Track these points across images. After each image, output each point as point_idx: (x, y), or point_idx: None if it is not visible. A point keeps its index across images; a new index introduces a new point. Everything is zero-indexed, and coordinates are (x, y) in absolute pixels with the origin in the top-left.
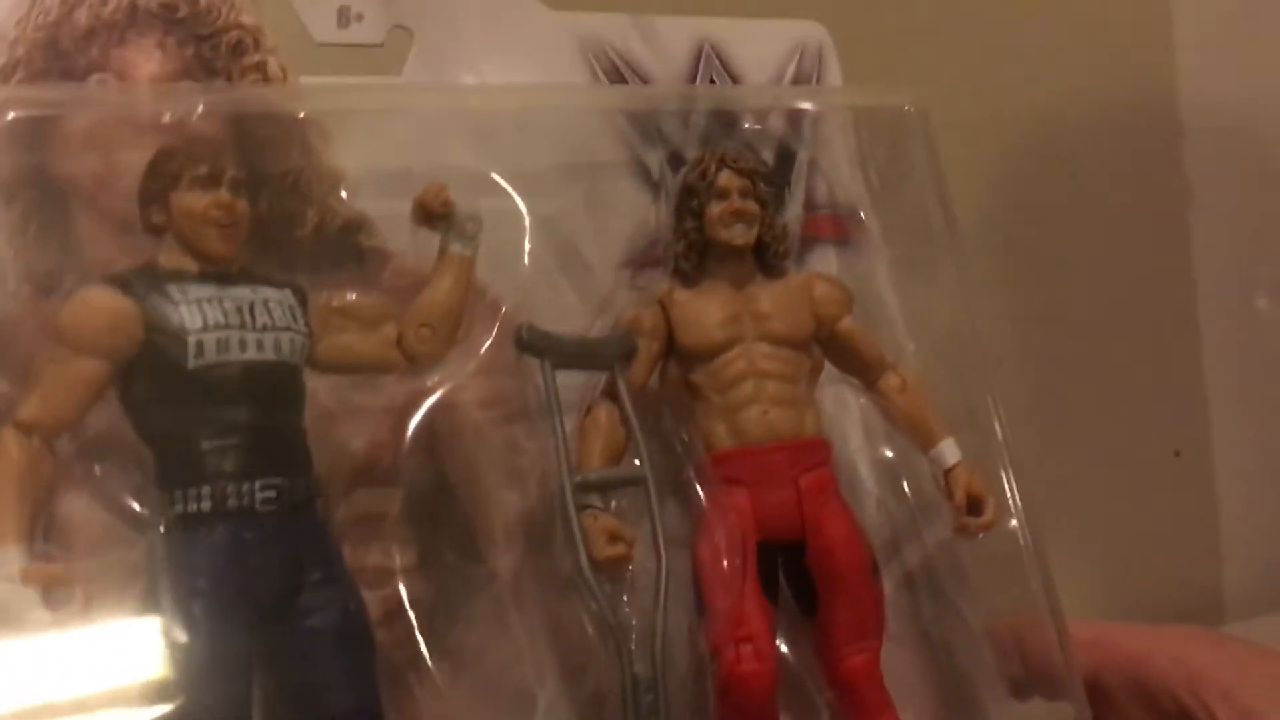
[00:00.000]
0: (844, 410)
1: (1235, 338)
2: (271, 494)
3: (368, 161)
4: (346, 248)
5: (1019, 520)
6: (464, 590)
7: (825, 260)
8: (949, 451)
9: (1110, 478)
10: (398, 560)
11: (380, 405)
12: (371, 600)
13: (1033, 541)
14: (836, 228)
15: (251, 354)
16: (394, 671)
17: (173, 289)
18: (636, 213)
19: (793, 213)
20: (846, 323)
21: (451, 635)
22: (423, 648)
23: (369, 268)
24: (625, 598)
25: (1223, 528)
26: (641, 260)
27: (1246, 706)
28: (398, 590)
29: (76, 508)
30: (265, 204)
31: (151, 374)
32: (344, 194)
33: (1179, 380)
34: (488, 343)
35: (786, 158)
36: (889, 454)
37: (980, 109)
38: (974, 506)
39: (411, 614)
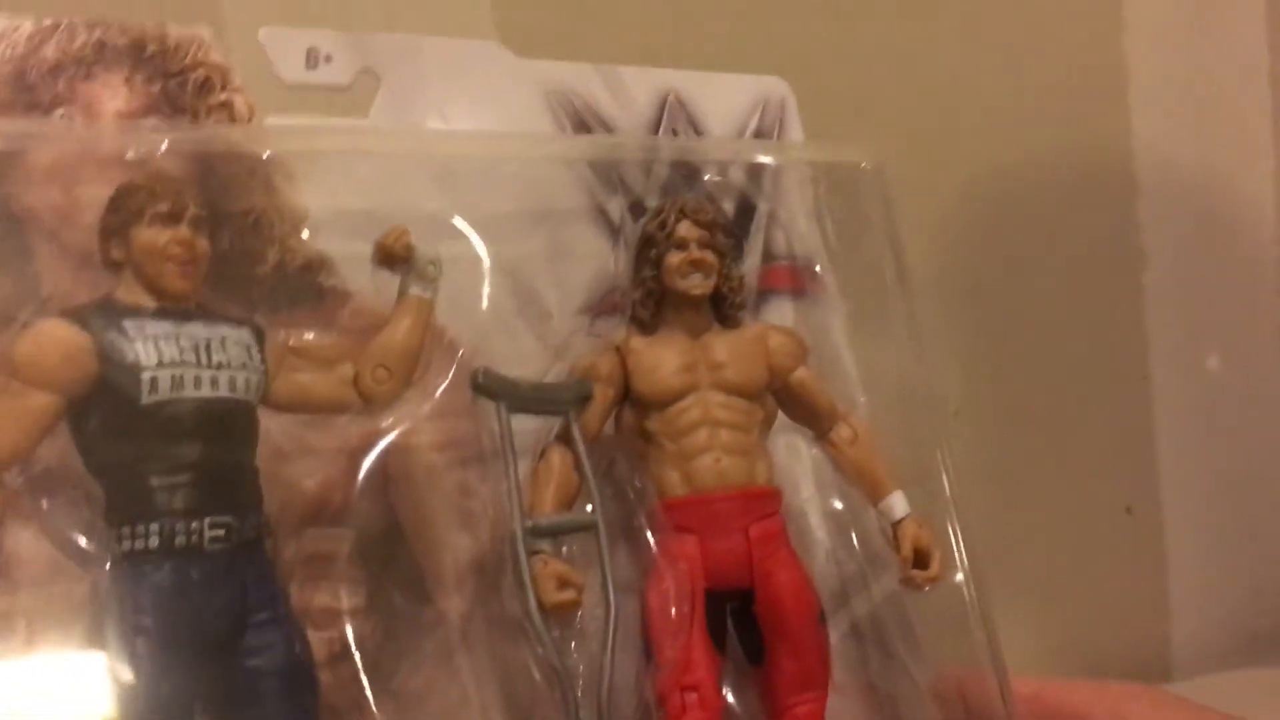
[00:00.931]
0: (796, 460)
1: (1187, 397)
2: (220, 533)
3: (331, 202)
4: (306, 287)
5: (965, 574)
6: (412, 632)
7: (782, 311)
8: (898, 504)
9: (1060, 532)
10: (345, 601)
11: (334, 445)
12: (317, 641)
13: (978, 596)
14: (793, 280)
15: (206, 391)
16: (337, 715)
17: (129, 324)
18: (596, 260)
19: (751, 264)
20: (800, 374)
21: (397, 678)
22: (367, 690)
23: (327, 307)
24: (574, 644)
25: (1171, 585)
26: (600, 307)
27: None
28: (344, 631)
29: (22, 541)
30: (226, 241)
31: (104, 409)
32: (305, 234)
33: (1130, 437)
34: (443, 385)
35: (746, 210)
36: (839, 505)
37: (938, 166)
38: (920, 560)
39: (357, 655)
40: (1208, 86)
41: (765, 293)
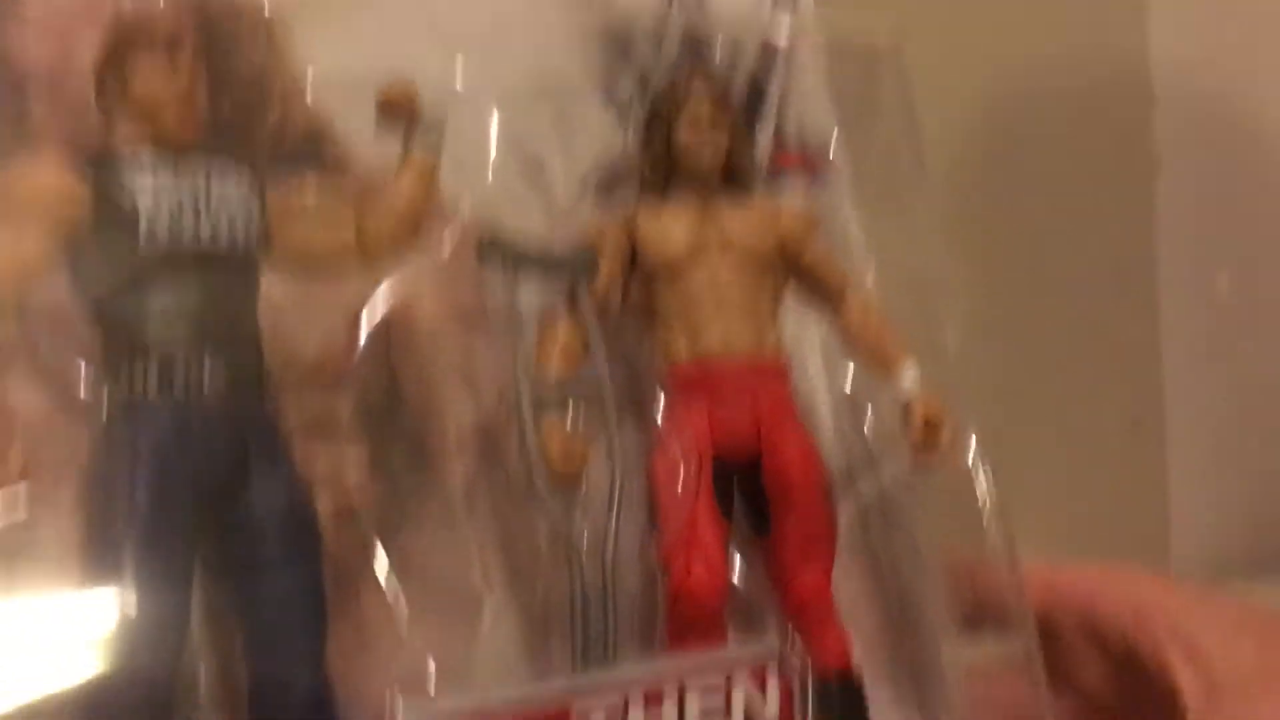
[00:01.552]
0: (803, 335)
1: (1194, 312)
2: (220, 380)
3: (333, 68)
4: (307, 154)
5: (975, 452)
6: (414, 495)
7: (793, 195)
8: (908, 378)
9: (1065, 444)
10: (349, 462)
11: (336, 307)
12: (321, 501)
13: (989, 474)
14: (805, 163)
15: (205, 237)
16: (340, 572)
17: (126, 167)
18: (604, 135)
19: (762, 146)
20: (811, 247)
21: (399, 538)
22: (371, 549)
23: (329, 175)
24: (578, 512)
25: (1172, 499)
26: (607, 182)
27: (1192, 641)
28: (347, 492)
29: (16, 390)
30: (227, 104)
31: (101, 252)
32: (308, 99)
33: (1138, 351)
34: (447, 249)
35: (758, 91)
36: (847, 386)
37: (954, 64)
38: (931, 434)
39: (360, 517)
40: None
41: (776, 176)
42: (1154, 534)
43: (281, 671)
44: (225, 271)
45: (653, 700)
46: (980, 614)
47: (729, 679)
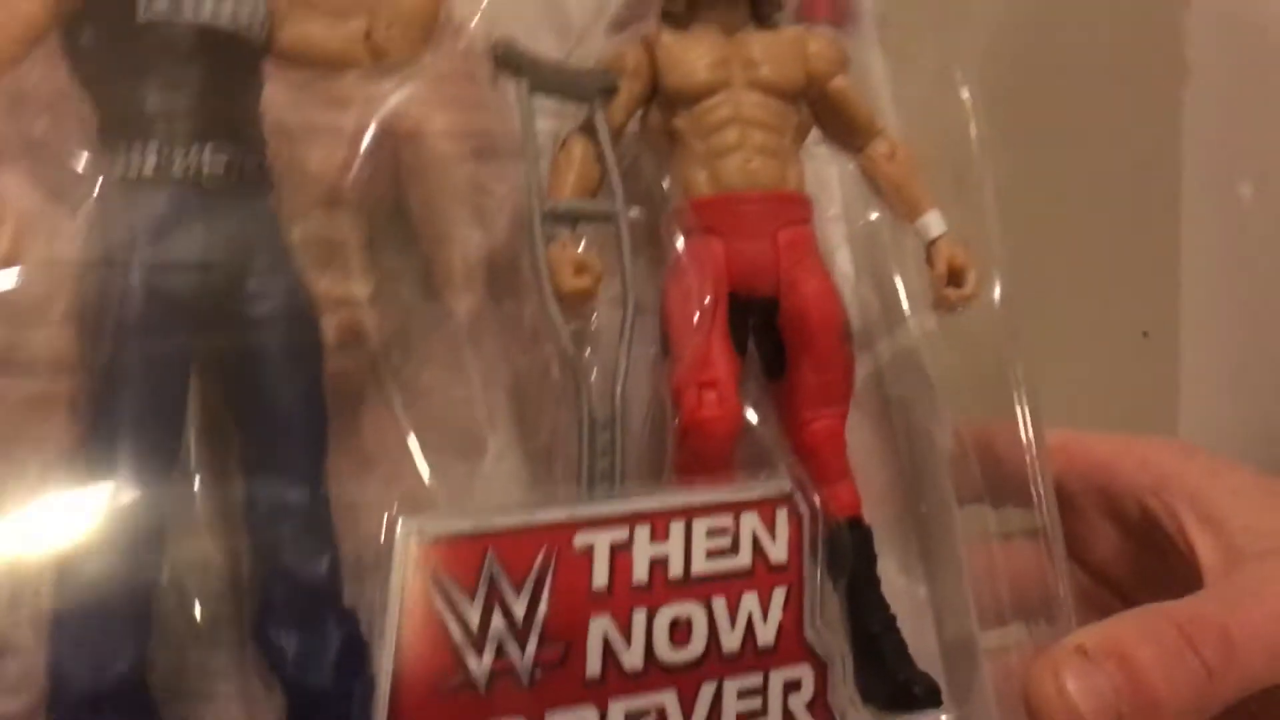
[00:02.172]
0: (821, 184)
1: (1215, 222)
2: (220, 166)
3: None
4: None
5: (1001, 296)
6: (420, 326)
7: None
8: (934, 223)
9: (1073, 351)
10: (355, 288)
11: (340, 124)
12: (325, 325)
13: (1013, 327)
14: (834, 10)
15: (206, 15)
16: (341, 398)
17: None
18: None
19: None
20: (839, 81)
21: (404, 370)
22: (374, 377)
23: None
24: (588, 348)
25: (1181, 414)
26: (625, 14)
27: (1211, 510)
28: (352, 317)
29: (8, 175)
30: None
31: (98, 22)
32: None
33: (1154, 259)
34: (459, 57)
35: None
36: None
37: None
38: (955, 278)
39: (363, 344)
40: None
41: (802, 23)
42: None
43: (278, 484)
44: (227, 54)
45: (658, 531)
46: (998, 482)
47: (737, 515)
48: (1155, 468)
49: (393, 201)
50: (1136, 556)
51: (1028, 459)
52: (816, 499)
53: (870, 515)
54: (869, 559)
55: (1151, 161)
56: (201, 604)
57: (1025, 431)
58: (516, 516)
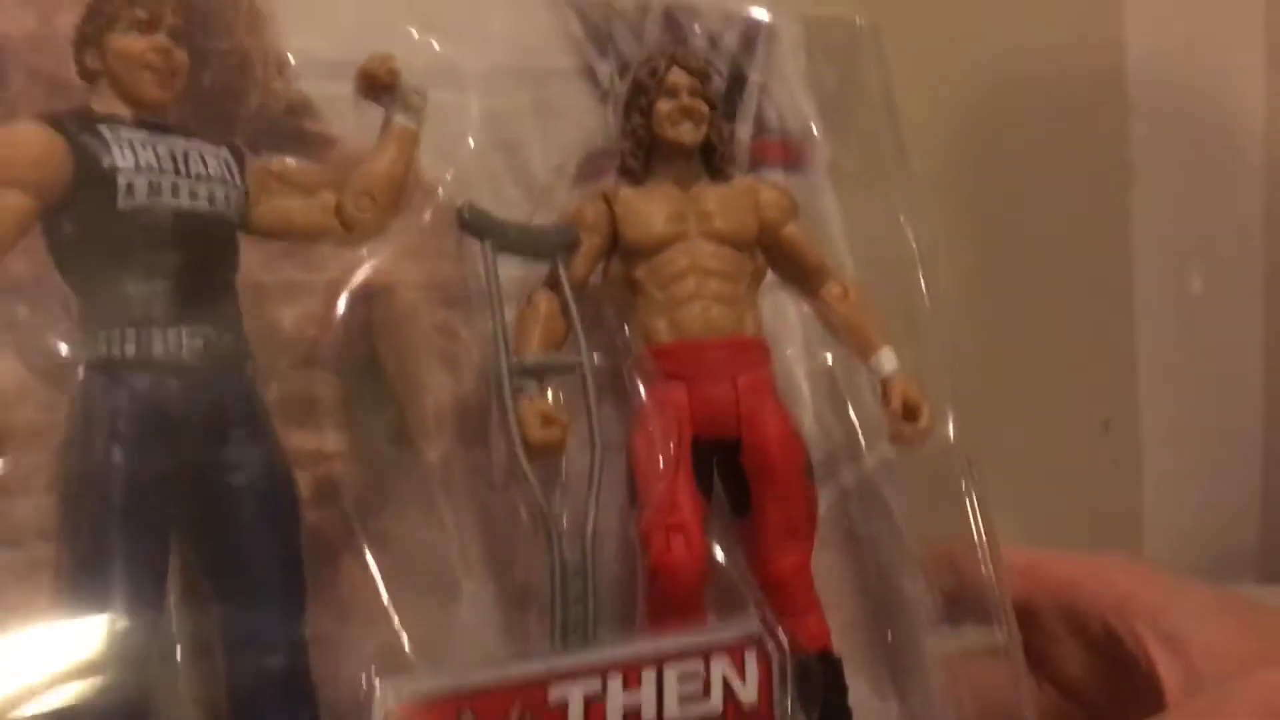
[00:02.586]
0: (782, 321)
1: (1168, 315)
2: (199, 343)
3: (314, 44)
4: (288, 131)
5: (954, 430)
6: (394, 475)
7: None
8: (887, 360)
9: (1038, 444)
10: (329, 442)
11: (315, 282)
12: (301, 480)
13: (968, 458)
14: (785, 153)
15: (184, 200)
16: (318, 552)
17: (105, 130)
18: (584, 119)
19: (742, 133)
20: (790, 228)
21: (380, 520)
22: (350, 529)
23: (310, 152)
24: (558, 493)
25: (1145, 501)
26: (586, 170)
27: (1172, 629)
28: (328, 471)
29: None
30: (208, 80)
31: (80, 214)
32: (288, 77)
33: (1112, 352)
34: (427, 219)
35: (738, 78)
36: (826, 364)
37: (935, 53)
38: (910, 413)
39: (339, 497)
40: (1203, 5)
41: (757, 166)
42: (1128, 537)
43: (258, 646)
44: (204, 236)
45: (631, 680)
46: (961, 602)
47: (707, 659)
48: (1117, 587)
49: (365, 354)
50: (1103, 674)
51: (987, 579)
52: (784, 635)
53: (840, 644)
54: (840, 690)
55: (1104, 259)
56: None
57: (983, 552)
58: (490, 672)
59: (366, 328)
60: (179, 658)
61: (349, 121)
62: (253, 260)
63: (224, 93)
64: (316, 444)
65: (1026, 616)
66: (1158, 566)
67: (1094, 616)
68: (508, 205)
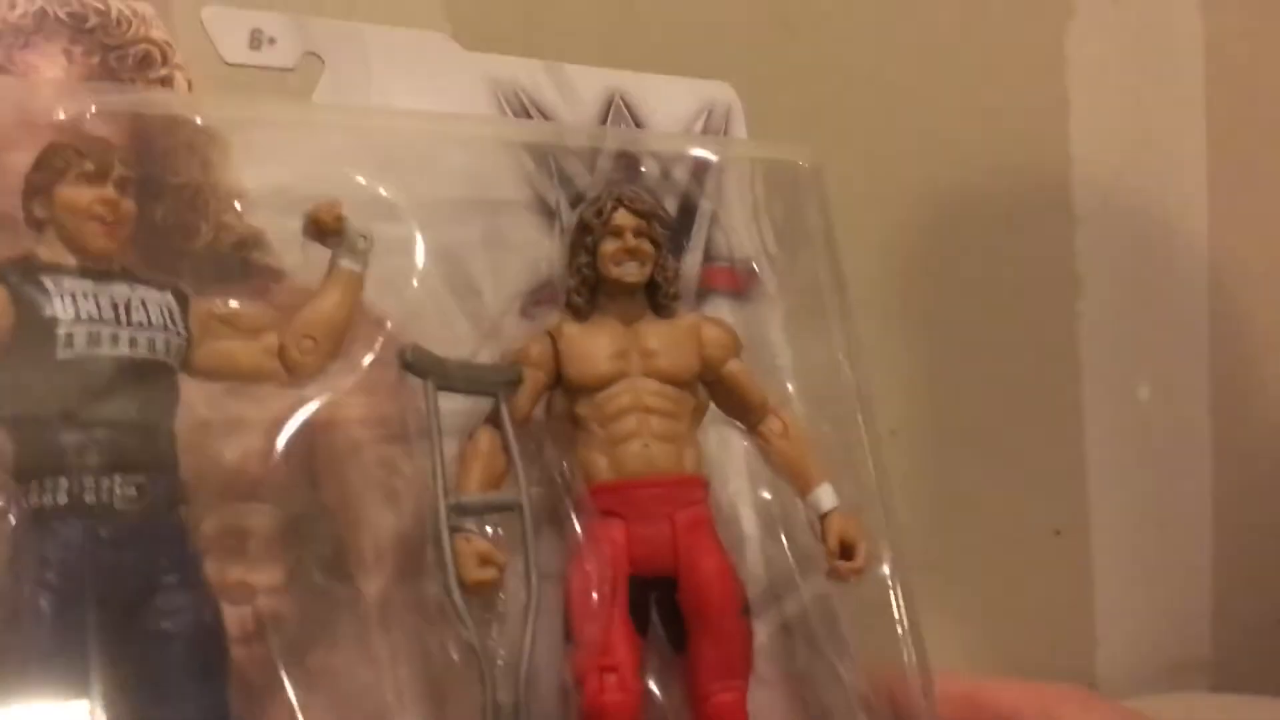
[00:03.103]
0: (727, 452)
1: (1117, 423)
2: (132, 492)
3: (266, 180)
4: (238, 263)
5: (891, 567)
6: (329, 610)
7: (720, 312)
8: (825, 497)
9: (989, 553)
10: (262, 577)
11: (258, 418)
12: (233, 616)
13: (902, 591)
14: (733, 280)
15: (124, 350)
16: (250, 690)
17: (47, 280)
18: (534, 251)
19: (692, 262)
20: (732, 365)
21: (313, 656)
22: (281, 667)
23: (259, 284)
24: (495, 628)
25: (1097, 608)
26: (535, 299)
27: None
28: (260, 608)
29: None
30: (160, 214)
31: (18, 362)
32: (239, 209)
33: (1061, 461)
34: (370, 359)
35: (688, 209)
36: (769, 497)
37: (880, 183)
38: (846, 552)
39: (273, 632)
40: (1146, 120)
41: (705, 292)
42: (1080, 643)
43: None
44: (143, 383)
45: None
46: None
47: None
48: None
49: (303, 485)
50: None
51: (921, 709)
52: None
53: None
54: None
55: (1052, 369)
56: None
57: (919, 681)
58: None
59: (306, 460)
60: None
61: (299, 255)
62: (196, 397)
63: (176, 227)
64: (253, 577)
65: None
66: (1102, 701)
67: None
68: (456, 336)
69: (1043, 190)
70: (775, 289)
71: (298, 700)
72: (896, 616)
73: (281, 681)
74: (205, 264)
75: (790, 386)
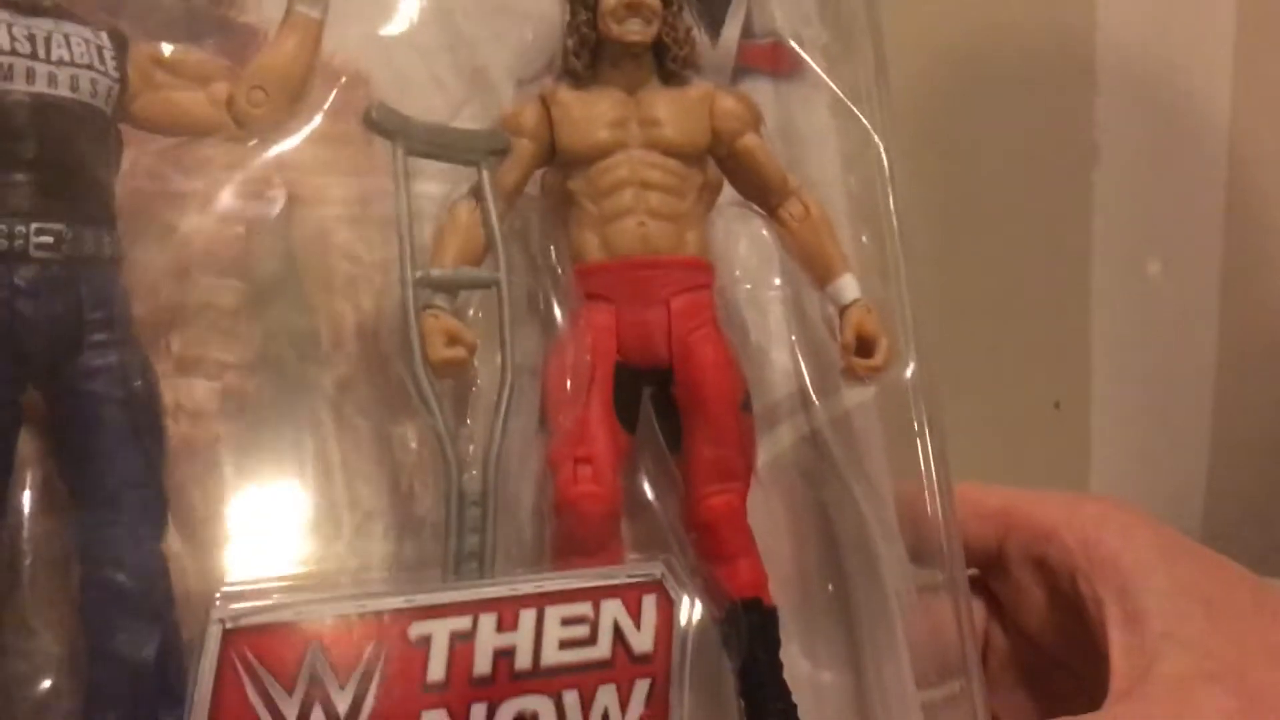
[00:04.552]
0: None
1: (1125, 298)
2: (48, 239)
3: None
4: (212, 20)
5: (914, 369)
6: (299, 392)
7: (760, 93)
8: (846, 288)
9: (985, 423)
10: (236, 352)
11: (210, 191)
12: (208, 391)
13: (926, 391)
14: (774, 59)
15: (41, 86)
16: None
17: None
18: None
19: (730, 36)
20: (749, 139)
21: (283, 435)
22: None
23: (235, 44)
24: (465, 414)
25: (1093, 484)
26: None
27: (1136, 610)
28: (234, 382)
29: None
30: None
31: None
32: None
33: (1066, 332)
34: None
35: None
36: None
37: (897, 33)
38: (865, 348)
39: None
40: None
41: (742, 71)
42: None
43: (113, 561)
44: (69, 122)
45: (506, 620)
46: (921, 546)
47: (597, 602)
48: (1093, 549)
49: (275, 262)
50: (1068, 630)
51: (938, 521)
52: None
53: (781, 596)
54: (769, 643)
55: (1063, 239)
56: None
57: (933, 494)
58: (345, 605)
59: (271, 237)
60: (27, 567)
61: (280, 14)
62: (137, 167)
63: None
64: (223, 353)
65: (997, 563)
66: (1148, 520)
67: (1064, 575)
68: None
69: (1067, 53)
70: (820, 70)
71: (261, 473)
72: (916, 429)
73: (247, 453)
74: (175, 19)
75: (834, 170)
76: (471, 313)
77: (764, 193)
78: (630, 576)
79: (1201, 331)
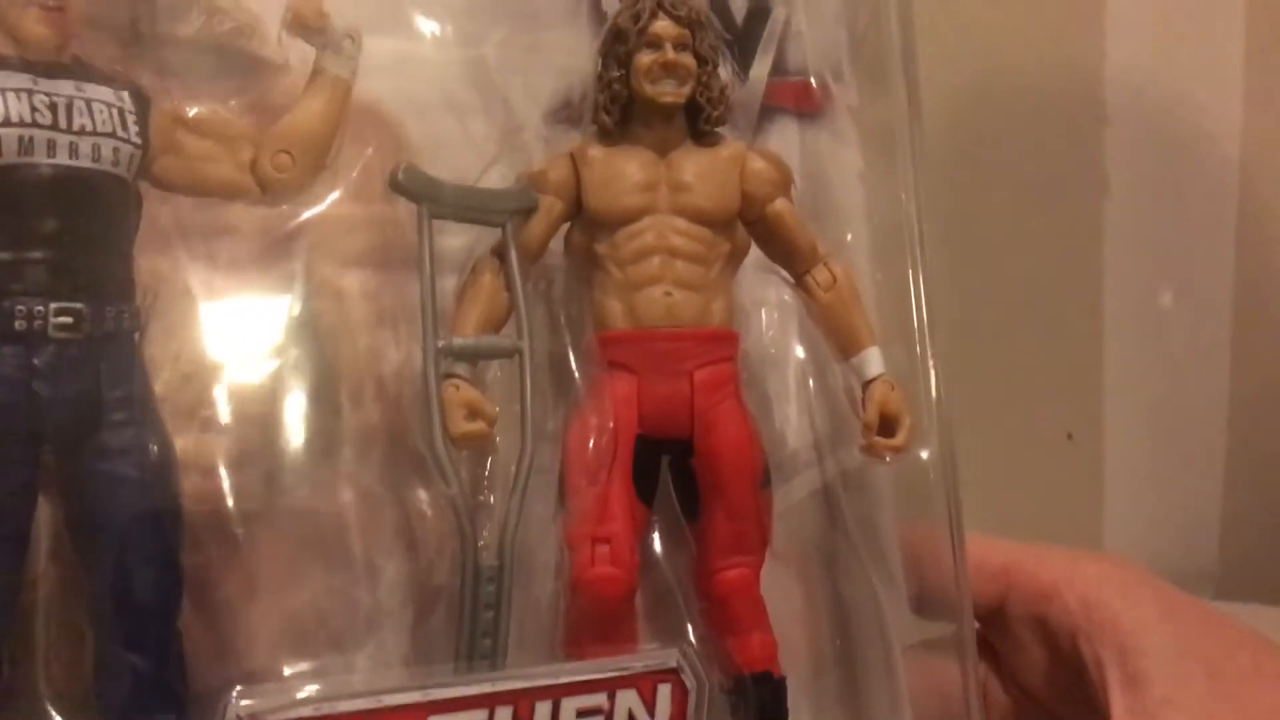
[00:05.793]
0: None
1: (1136, 329)
2: (68, 320)
3: None
4: (233, 56)
5: (940, 442)
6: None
7: (785, 133)
8: (871, 362)
9: (1000, 454)
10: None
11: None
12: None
13: (946, 471)
14: (802, 98)
15: (62, 158)
16: (222, 524)
17: None
18: (568, 64)
19: (759, 75)
20: (779, 204)
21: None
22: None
23: (258, 81)
24: (483, 486)
25: (1106, 515)
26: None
27: (1137, 672)
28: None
29: None
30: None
31: None
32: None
33: (1078, 364)
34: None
35: (759, 13)
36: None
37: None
38: (887, 427)
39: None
40: (1185, 18)
41: (769, 110)
42: (1086, 548)
43: (124, 648)
44: (89, 194)
45: (522, 713)
46: (928, 599)
47: (612, 693)
48: (1094, 610)
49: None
50: (1067, 689)
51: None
52: (722, 656)
53: (787, 664)
54: (778, 716)
55: (1075, 269)
56: None
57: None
58: (362, 701)
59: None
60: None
61: (304, 48)
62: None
63: (160, 11)
64: None
65: (999, 620)
66: (1150, 579)
67: (1065, 635)
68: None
69: (1075, 88)
70: (849, 110)
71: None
72: (932, 481)
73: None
74: (195, 55)
75: (852, 221)
76: (492, 375)
77: (792, 258)
78: (645, 665)
79: (1214, 361)
